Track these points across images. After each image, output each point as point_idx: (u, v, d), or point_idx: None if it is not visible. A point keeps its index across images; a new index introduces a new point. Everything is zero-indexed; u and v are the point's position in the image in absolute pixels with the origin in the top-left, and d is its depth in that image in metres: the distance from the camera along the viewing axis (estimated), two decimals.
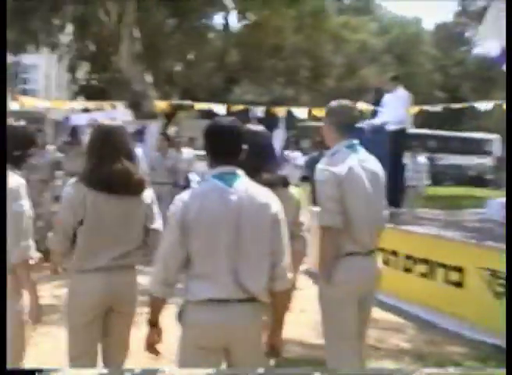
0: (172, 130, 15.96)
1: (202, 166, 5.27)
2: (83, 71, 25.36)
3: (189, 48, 16.77)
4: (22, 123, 3.94)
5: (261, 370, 3.10)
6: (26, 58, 25.77)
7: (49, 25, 15.34)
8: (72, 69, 21.02)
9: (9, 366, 3.39)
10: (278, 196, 3.24)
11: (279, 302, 3.16)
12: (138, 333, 3.67)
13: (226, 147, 3.14)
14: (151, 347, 3.22)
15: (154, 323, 3.19)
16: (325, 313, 4.02)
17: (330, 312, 3.99)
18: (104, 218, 3.59)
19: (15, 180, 3.57)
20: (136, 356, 3.87)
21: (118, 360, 3.87)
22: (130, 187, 3.64)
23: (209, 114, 18.35)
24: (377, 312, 5.36)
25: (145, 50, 13.25)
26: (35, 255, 3.57)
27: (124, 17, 13.32)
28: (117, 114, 15.84)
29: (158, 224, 3.75)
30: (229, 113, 12.53)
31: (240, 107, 14.07)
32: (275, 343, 3.20)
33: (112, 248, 3.63)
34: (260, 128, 3.99)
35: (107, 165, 3.63)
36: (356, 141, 4.04)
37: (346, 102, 4.14)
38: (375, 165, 4.06)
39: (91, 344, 3.75)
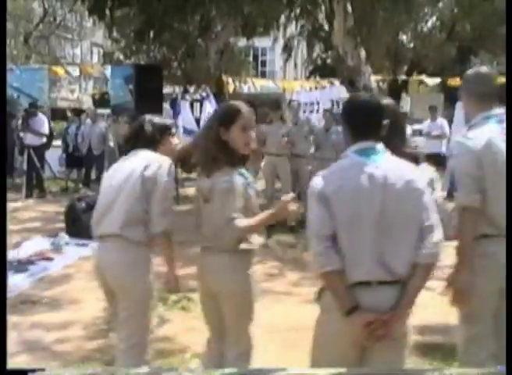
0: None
1: None
2: (316, 50, 25.74)
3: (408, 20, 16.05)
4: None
5: None
6: (261, 41, 26.90)
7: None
8: (309, 48, 21.32)
9: None
10: None
11: (415, 280, 2.89)
12: None
13: (365, 122, 3.05)
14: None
15: (345, 302, 2.88)
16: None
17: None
18: None
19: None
20: None
21: None
22: None
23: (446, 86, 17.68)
24: None
25: (358, 25, 12.94)
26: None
27: None
28: (333, 91, 15.90)
29: None
30: None
31: None
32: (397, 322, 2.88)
33: None
34: (393, 102, 3.57)
35: None
36: (499, 111, 3.57)
37: (484, 69, 3.74)
38: None
39: None
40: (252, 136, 3.59)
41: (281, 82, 21.82)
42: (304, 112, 15.26)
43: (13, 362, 4.60)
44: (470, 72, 3.79)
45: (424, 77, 19.46)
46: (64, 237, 8.60)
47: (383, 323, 2.83)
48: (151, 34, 19.99)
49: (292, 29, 19.36)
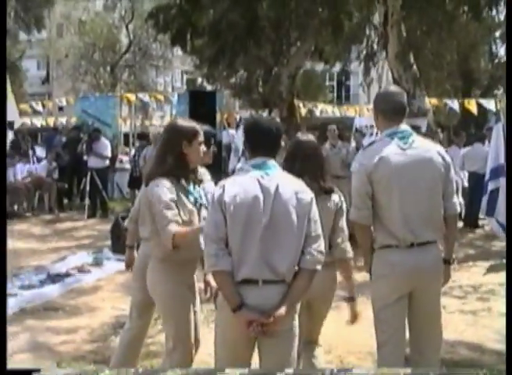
0: None
1: None
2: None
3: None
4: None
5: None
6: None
7: None
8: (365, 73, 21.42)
9: None
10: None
11: (298, 281, 3.22)
12: None
13: (262, 141, 3.41)
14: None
15: (233, 300, 3.18)
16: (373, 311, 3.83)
17: (374, 310, 3.79)
18: None
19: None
20: None
21: None
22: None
23: None
24: None
25: (409, 48, 13.08)
26: None
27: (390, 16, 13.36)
28: None
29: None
30: None
31: None
32: (281, 320, 3.16)
33: None
34: (312, 140, 4.13)
35: None
36: (403, 128, 3.73)
37: (392, 88, 4.02)
38: (429, 152, 3.69)
39: None
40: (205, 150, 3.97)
41: (351, 107, 21.98)
42: (364, 134, 15.42)
43: (14, 360, 5.16)
44: (379, 91, 4.03)
45: None
46: (107, 252, 9.21)
47: (266, 321, 3.12)
48: (226, 61, 20.73)
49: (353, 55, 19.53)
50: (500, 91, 23.05)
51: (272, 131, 3.42)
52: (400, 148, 3.66)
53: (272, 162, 3.37)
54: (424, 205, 3.65)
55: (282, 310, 3.15)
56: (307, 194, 3.30)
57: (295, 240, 3.22)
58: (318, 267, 3.26)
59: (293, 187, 3.29)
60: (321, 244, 3.27)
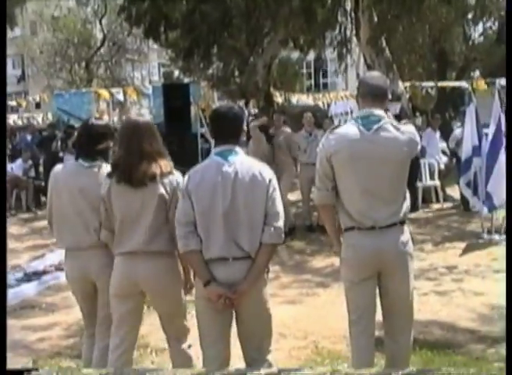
0: None
1: None
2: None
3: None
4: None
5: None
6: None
7: None
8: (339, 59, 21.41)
9: None
10: None
11: (260, 256, 3.51)
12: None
13: (224, 129, 3.65)
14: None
15: (203, 276, 3.52)
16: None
17: (345, 290, 3.87)
18: (123, 207, 3.83)
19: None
20: None
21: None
22: (134, 179, 3.76)
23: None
24: None
25: (380, 32, 13.06)
26: None
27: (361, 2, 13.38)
28: None
29: (172, 213, 3.78)
30: None
31: None
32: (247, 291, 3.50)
33: (135, 236, 3.80)
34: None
35: (122, 159, 3.83)
36: (373, 112, 3.72)
37: (373, 73, 4.07)
38: (394, 135, 3.69)
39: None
40: None
41: (326, 94, 21.96)
42: (340, 121, 15.47)
43: None
44: (361, 75, 4.05)
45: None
46: None
47: (234, 295, 3.47)
48: (201, 52, 20.66)
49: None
50: (476, 74, 23.16)
51: (231, 119, 3.65)
52: (361, 133, 3.67)
53: (232, 148, 3.61)
54: (384, 189, 3.67)
55: (245, 285, 3.48)
56: (266, 176, 3.55)
57: (255, 219, 3.50)
58: (277, 241, 3.56)
59: (251, 171, 3.54)
60: (279, 220, 3.52)
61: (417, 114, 26.47)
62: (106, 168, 4.06)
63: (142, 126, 3.91)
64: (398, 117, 12.92)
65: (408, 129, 3.82)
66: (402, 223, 3.74)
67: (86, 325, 4.37)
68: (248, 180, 3.52)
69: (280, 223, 3.54)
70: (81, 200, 4.06)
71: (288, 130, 10.62)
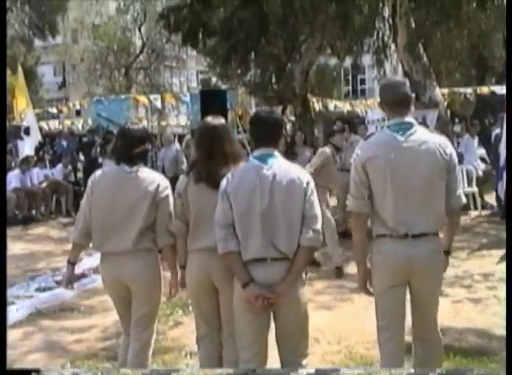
0: None
1: None
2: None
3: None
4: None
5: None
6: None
7: None
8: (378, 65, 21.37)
9: None
10: None
11: (298, 258, 3.61)
12: None
13: (264, 133, 3.80)
14: None
15: (241, 277, 3.63)
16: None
17: (374, 297, 3.87)
18: (198, 206, 4.01)
19: (163, 177, 4.31)
20: None
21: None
22: (213, 181, 3.93)
23: None
24: None
25: (418, 39, 13.05)
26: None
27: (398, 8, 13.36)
28: None
29: None
30: None
31: None
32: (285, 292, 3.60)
33: (209, 233, 3.92)
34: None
35: (202, 160, 4.05)
36: (405, 120, 3.75)
37: (395, 78, 4.05)
38: (426, 144, 3.69)
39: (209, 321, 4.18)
40: None
41: (363, 101, 21.93)
42: (376, 127, 15.42)
43: (27, 359, 5.31)
44: (382, 81, 4.05)
45: None
46: None
47: (272, 296, 3.56)
48: (238, 59, 20.81)
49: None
50: None
51: (271, 123, 3.79)
52: (396, 140, 3.67)
53: (271, 152, 3.73)
54: (419, 198, 3.65)
55: (283, 285, 3.58)
56: (303, 179, 3.66)
57: (293, 221, 3.60)
58: (315, 244, 3.67)
59: (289, 174, 3.65)
60: (317, 224, 3.63)
61: (456, 120, 26.31)
62: (145, 171, 4.19)
63: (220, 129, 4.08)
64: (436, 124, 13.00)
65: (441, 138, 3.86)
66: (435, 232, 3.73)
67: (124, 327, 4.46)
68: (286, 183, 3.62)
69: (318, 226, 3.64)
70: (120, 205, 4.16)
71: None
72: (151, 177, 4.21)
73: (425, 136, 3.73)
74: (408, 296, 3.86)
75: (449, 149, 3.74)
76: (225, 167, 3.94)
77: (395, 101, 3.77)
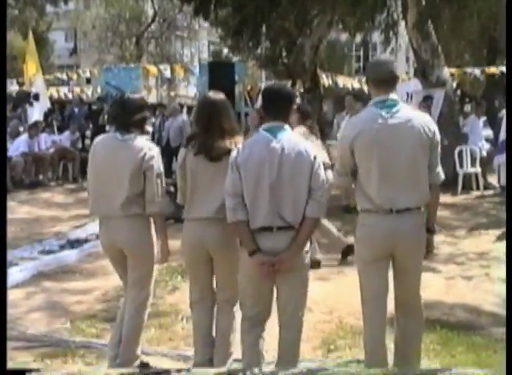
0: None
1: None
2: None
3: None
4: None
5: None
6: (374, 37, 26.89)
7: None
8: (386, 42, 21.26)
9: None
10: None
11: (303, 228, 3.77)
12: None
13: (274, 106, 3.89)
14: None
15: (248, 246, 3.79)
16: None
17: (358, 269, 4.01)
18: (198, 177, 4.17)
19: (153, 146, 4.43)
20: None
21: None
22: (210, 154, 4.10)
23: None
24: None
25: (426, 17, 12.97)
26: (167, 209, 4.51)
27: None
28: (410, 84, 15.95)
29: None
30: None
31: None
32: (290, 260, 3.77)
33: (205, 204, 4.14)
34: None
35: (199, 133, 4.19)
36: (390, 97, 3.84)
37: (382, 57, 4.17)
38: (410, 121, 3.79)
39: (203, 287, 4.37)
40: None
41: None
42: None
43: (28, 318, 5.50)
44: (370, 60, 4.14)
45: None
46: None
47: (276, 262, 3.72)
48: (249, 32, 20.76)
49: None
50: None
51: (282, 97, 3.90)
52: (381, 118, 3.76)
53: (281, 125, 3.84)
54: (403, 174, 3.76)
55: (287, 253, 3.74)
56: (311, 153, 3.78)
57: (299, 193, 3.75)
58: (319, 216, 3.87)
59: (298, 147, 3.78)
60: (323, 196, 3.79)
61: (467, 100, 26.22)
62: (141, 140, 4.34)
63: (219, 104, 4.21)
64: (443, 103, 13.01)
65: (425, 115, 3.98)
66: (419, 208, 3.84)
67: (124, 288, 4.63)
68: (294, 155, 3.74)
69: (323, 199, 3.80)
70: (111, 171, 4.33)
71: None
72: (140, 146, 4.34)
73: (410, 114, 3.84)
74: (391, 272, 3.99)
75: (433, 127, 3.85)
76: (221, 141, 4.10)
77: (381, 79, 3.85)
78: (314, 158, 3.78)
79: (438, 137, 3.87)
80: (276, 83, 4.38)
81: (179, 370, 2.84)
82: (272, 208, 3.73)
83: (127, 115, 4.36)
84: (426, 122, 3.84)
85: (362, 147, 3.78)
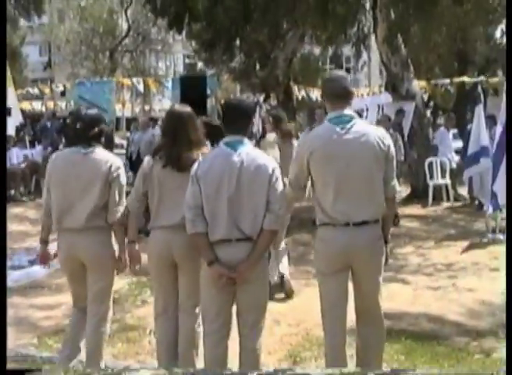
0: None
1: None
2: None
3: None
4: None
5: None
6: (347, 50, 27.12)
7: None
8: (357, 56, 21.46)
9: None
10: None
11: (260, 240, 3.85)
12: None
13: (234, 120, 3.98)
14: None
15: (207, 256, 3.85)
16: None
17: (318, 282, 4.09)
18: (165, 187, 4.25)
19: (117, 157, 4.53)
20: None
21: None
22: (178, 165, 4.21)
23: None
24: None
25: (396, 31, 13.15)
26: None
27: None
28: (382, 97, 16.15)
29: None
30: None
31: None
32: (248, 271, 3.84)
33: (172, 212, 4.21)
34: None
35: (167, 145, 4.29)
36: (344, 112, 3.91)
37: (336, 73, 4.24)
38: (365, 136, 3.86)
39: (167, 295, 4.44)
40: None
41: None
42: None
43: None
44: (326, 75, 4.23)
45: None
46: None
47: (234, 275, 3.79)
48: (223, 45, 20.86)
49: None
50: (500, 74, 23.08)
51: (241, 111, 3.99)
52: (336, 133, 3.83)
53: (241, 140, 3.93)
54: (359, 188, 3.83)
55: (245, 264, 3.81)
56: (269, 166, 3.87)
57: (257, 205, 3.82)
58: (276, 228, 3.92)
59: (256, 161, 3.86)
60: (280, 208, 3.86)
61: (440, 113, 26.50)
62: (104, 152, 4.42)
63: (186, 116, 4.35)
64: (413, 116, 13.17)
65: (380, 129, 4.06)
66: (376, 220, 3.91)
67: (74, 301, 4.68)
68: (253, 169, 3.82)
69: (281, 211, 3.87)
70: (74, 185, 4.38)
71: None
72: (104, 158, 4.43)
73: (365, 128, 3.91)
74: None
75: (388, 141, 3.92)
76: (188, 152, 4.20)
77: (334, 94, 3.93)
78: (273, 170, 3.85)
79: (393, 150, 3.95)
80: (236, 97, 4.44)
81: None
82: (230, 221, 3.80)
83: (87, 129, 4.41)
84: (380, 136, 3.91)
85: (318, 162, 3.85)
